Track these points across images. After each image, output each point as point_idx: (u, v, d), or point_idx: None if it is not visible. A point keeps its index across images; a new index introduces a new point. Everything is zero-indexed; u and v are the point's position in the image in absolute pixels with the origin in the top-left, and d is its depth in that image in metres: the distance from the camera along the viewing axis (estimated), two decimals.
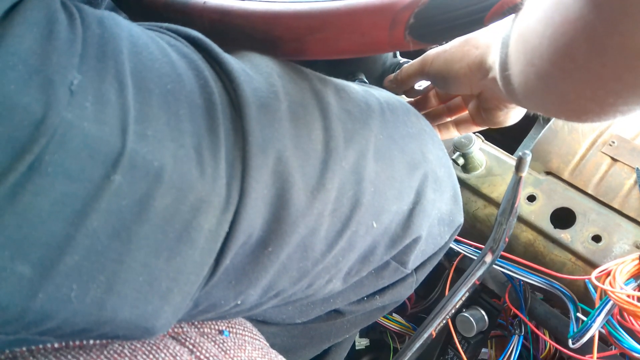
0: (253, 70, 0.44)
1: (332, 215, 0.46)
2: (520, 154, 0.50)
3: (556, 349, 0.72)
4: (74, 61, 0.33)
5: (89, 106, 0.32)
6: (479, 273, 0.64)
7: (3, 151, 0.29)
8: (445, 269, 0.83)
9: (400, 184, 0.51)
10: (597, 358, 0.59)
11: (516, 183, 0.55)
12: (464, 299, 0.66)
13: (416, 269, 0.61)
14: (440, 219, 0.58)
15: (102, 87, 0.33)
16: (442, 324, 0.66)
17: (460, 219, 0.61)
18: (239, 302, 0.45)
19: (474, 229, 0.76)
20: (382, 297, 0.60)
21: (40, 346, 0.39)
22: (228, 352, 0.47)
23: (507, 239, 0.62)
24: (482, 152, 0.78)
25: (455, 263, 0.78)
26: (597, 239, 0.66)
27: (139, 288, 0.36)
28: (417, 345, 0.65)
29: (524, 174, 0.53)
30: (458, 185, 0.61)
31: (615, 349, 0.59)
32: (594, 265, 0.63)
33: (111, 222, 0.33)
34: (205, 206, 0.37)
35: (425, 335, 0.65)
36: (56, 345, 0.39)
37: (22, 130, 0.30)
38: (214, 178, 0.37)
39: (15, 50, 0.31)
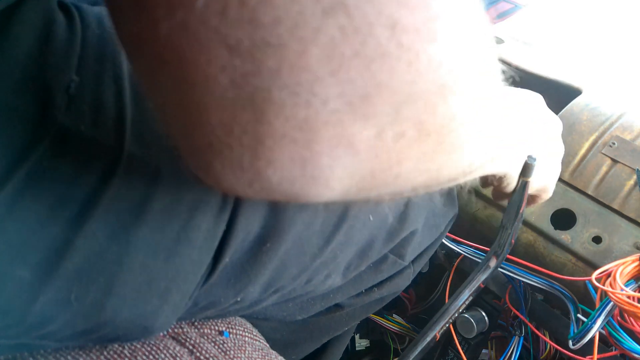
0: None
1: (328, 209, 0.46)
2: (526, 158, 0.50)
3: (556, 350, 0.72)
4: (73, 63, 0.33)
5: (86, 109, 0.32)
6: (483, 277, 0.64)
7: (2, 159, 0.30)
8: (446, 270, 0.83)
9: None
10: (598, 359, 0.59)
11: (522, 187, 0.54)
12: (467, 302, 0.66)
13: (413, 261, 0.62)
14: (435, 210, 0.58)
15: (100, 89, 0.34)
16: (445, 327, 0.66)
17: (455, 210, 0.62)
18: (238, 300, 0.45)
19: (474, 230, 0.75)
20: (380, 289, 0.61)
21: None
22: (228, 352, 0.47)
23: (513, 241, 0.62)
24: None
25: (455, 264, 0.78)
26: (597, 240, 0.66)
27: (138, 288, 0.36)
28: (420, 348, 0.65)
29: (531, 178, 0.52)
30: None
31: (615, 350, 0.59)
32: (594, 266, 0.63)
33: (110, 224, 0.33)
34: (202, 206, 0.37)
35: (429, 339, 0.64)
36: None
37: (19, 137, 0.30)
38: None
39: (13, 54, 0.31)
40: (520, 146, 0.45)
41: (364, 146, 0.24)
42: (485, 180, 0.51)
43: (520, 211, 0.57)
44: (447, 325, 0.65)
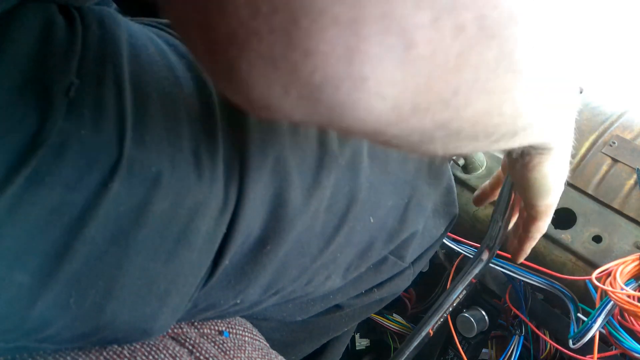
0: None
1: (328, 211, 0.46)
2: None
3: (557, 349, 0.72)
4: (73, 65, 0.33)
5: (86, 113, 0.32)
6: (476, 271, 0.64)
7: (1, 163, 0.29)
8: (446, 270, 0.83)
9: (395, 179, 0.52)
10: (598, 358, 0.59)
11: (511, 181, 0.55)
12: (461, 297, 0.66)
13: (413, 262, 0.62)
14: (435, 211, 0.58)
15: (100, 92, 0.33)
16: (439, 323, 0.66)
17: (455, 210, 0.62)
18: (238, 302, 0.45)
19: (474, 230, 0.75)
20: (380, 290, 0.61)
21: None
22: (228, 352, 0.46)
23: (504, 235, 0.62)
24: (483, 152, 0.78)
25: (455, 264, 0.78)
26: (597, 239, 0.66)
27: (138, 291, 0.36)
28: (415, 344, 0.65)
29: None
30: (452, 177, 0.61)
31: (615, 349, 0.59)
32: (594, 266, 0.63)
33: (109, 228, 0.33)
34: (202, 209, 0.37)
35: (423, 334, 0.65)
36: None
37: (18, 142, 0.30)
38: (211, 180, 0.37)
39: (12, 56, 0.30)
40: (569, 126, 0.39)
41: (419, 37, 0.20)
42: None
43: (510, 204, 0.57)
44: (441, 320, 0.65)
